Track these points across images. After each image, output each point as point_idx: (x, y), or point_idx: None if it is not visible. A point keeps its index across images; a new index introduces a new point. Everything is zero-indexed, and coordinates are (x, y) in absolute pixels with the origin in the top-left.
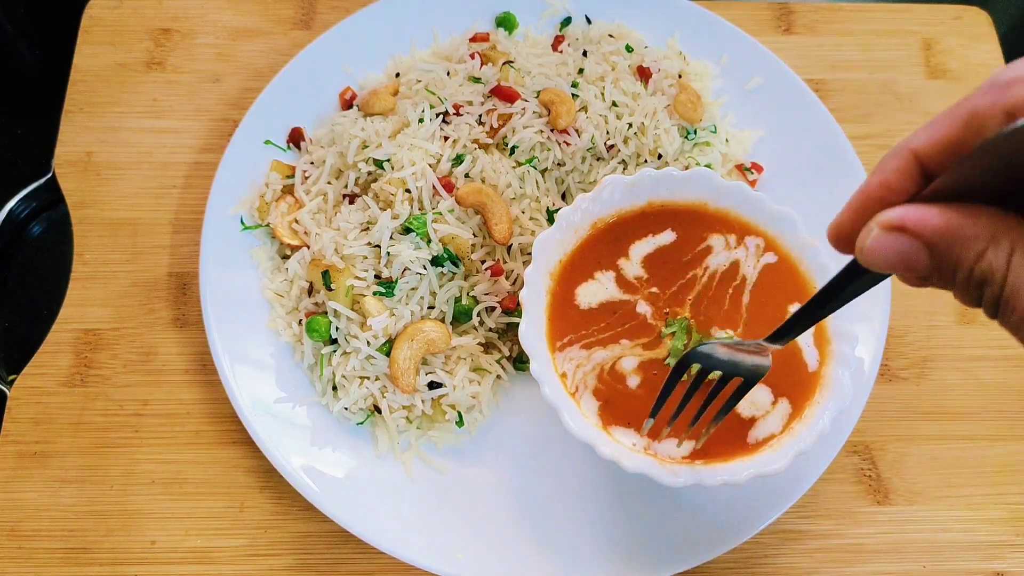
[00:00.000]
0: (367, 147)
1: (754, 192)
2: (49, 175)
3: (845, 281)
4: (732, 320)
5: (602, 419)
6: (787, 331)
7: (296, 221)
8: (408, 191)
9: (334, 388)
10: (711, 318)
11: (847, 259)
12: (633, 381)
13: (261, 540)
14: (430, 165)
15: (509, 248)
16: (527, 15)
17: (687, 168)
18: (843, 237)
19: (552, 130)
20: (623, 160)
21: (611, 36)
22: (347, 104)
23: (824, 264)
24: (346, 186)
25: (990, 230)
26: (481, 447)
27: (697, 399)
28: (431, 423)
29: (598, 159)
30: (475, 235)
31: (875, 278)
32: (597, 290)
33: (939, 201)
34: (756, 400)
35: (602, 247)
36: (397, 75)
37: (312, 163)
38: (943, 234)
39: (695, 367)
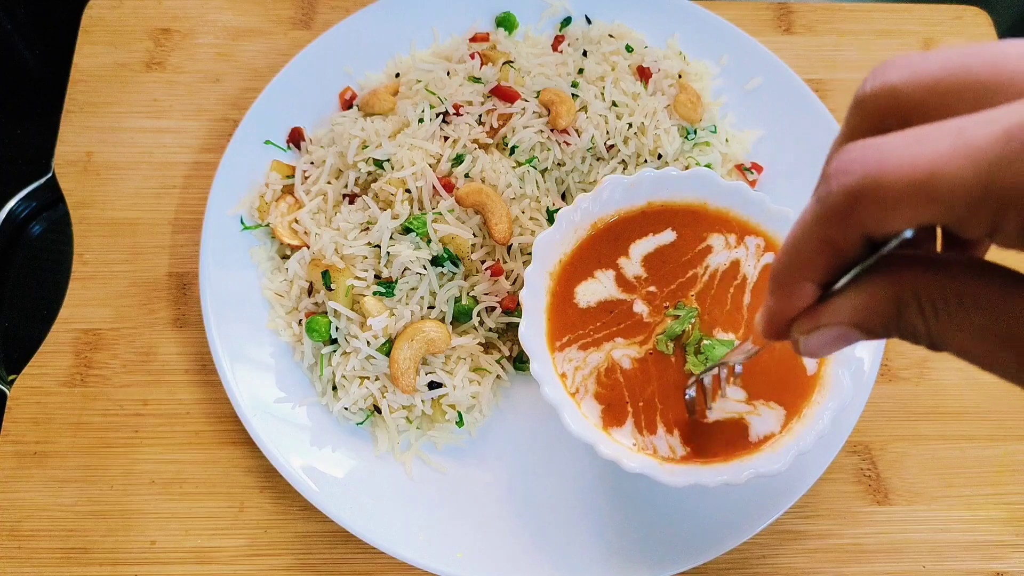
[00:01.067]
0: (367, 147)
1: (754, 192)
2: (49, 175)
3: None
4: (733, 319)
5: (603, 419)
6: None
7: (296, 221)
8: (408, 191)
9: (334, 388)
10: (714, 317)
11: None
12: (631, 379)
13: (261, 540)
14: (430, 165)
15: (509, 248)
16: (527, 15)
17: (687, 168)
18: (772, 335)
19: (552, 130)
20: (623, 160)
21: (611, 36)
22: (347, 104)
23: None
24: (346, 186)
25: (894, 300)
26: (481, 447)
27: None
28: (431, 423)
29: (598, 159)
30: (475, 235)
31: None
32: (597, 289)
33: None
34: (757, 400)
35: (602, 247)
36: (397, 75)
37: (312, 163)
38: (858, 318)
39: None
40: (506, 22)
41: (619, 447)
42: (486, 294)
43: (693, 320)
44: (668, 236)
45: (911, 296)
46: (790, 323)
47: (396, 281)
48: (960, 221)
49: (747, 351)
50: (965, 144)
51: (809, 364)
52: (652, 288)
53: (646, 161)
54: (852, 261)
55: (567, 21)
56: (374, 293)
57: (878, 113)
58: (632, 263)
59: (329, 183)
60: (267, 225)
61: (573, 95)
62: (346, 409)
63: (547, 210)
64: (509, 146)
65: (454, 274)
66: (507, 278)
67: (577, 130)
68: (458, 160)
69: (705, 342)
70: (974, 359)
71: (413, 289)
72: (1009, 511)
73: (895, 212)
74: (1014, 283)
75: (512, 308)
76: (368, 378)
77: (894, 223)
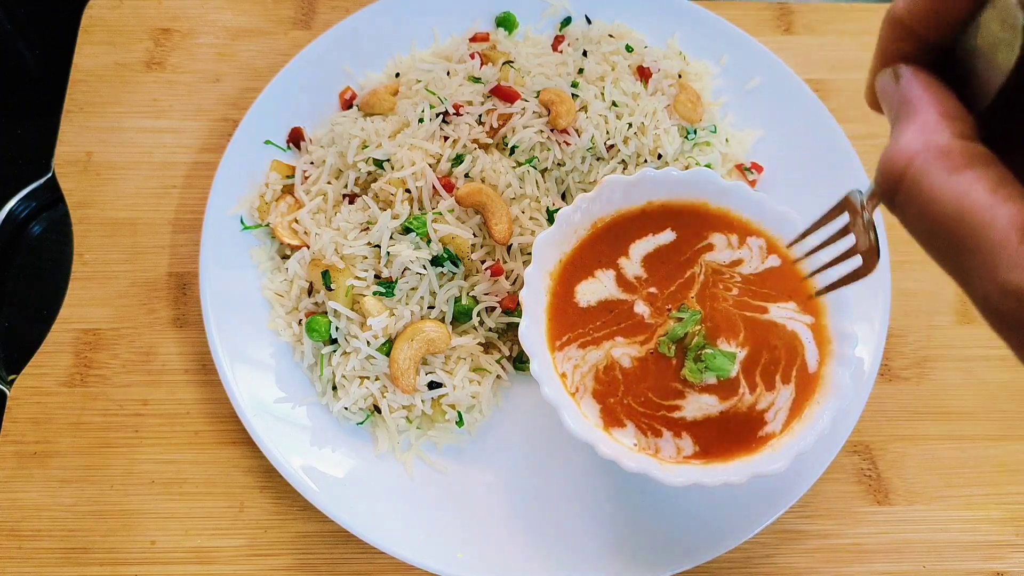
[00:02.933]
0: (367, 147)
1: (754, 192)
2: (49, 175)
3: None
4: (734, 324)
5: (603, 420)
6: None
7: (296, 221)
8: (408, 191)
9: (334, 388)
10: (716, 321)
11: (849, 267)
12: (629, 378)
13: (261, 540)
14: (430, 165)
15: (509, 248)
16: (527, 15)
17: (687, 168)
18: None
19: (552, 130)
20: (623, 160)
21: (611, 36)
22: (347, 104)
23: (825, 264)
24: (346, 186)
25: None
26: (481, 447)
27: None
28: (431, 423)
29: (598, 159)
30: (475, 235)
31: None
32: (597, 288)
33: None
34: (758, 399)
35: (602, 247)
36: (397, 75)
37: (312, 163)
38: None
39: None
40: (506, 22)
41: (619, 447)
42: (486, 294)
43: (696, 324)
44: (668, 236)
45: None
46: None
47: (396, 281)
48: None
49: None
50: None
51: (810, 361)
52: (653, 289)
53: (646, 161)
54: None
55: (567, 21)
56: (374, 293)
57: None
58: (632, 263)
59: (329, 183)
60: (267, 225)
61: (573, 95)
62: (346, 409)
63: (547, 210)
64: (509, 146)
65: (454, 274)
66: (507, 278)
67: (577, 130)
68: (458, 160)
69: (707, 351)
70: None
71: (413, 289)
72: (1009, 511)
73: None
74: None
75: (512, 308)
76: (368, 378)
77: None
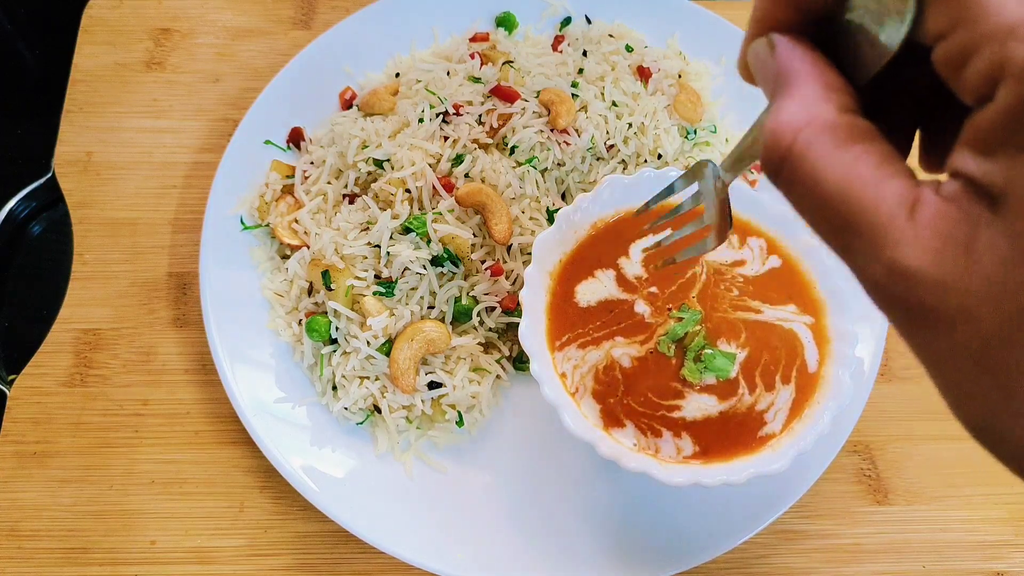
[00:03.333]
0: (367, 147)
1: (754, 192)
2: (49, 175)
3: None
4: (735, 324)
5: (603, 420)
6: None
7: (296, 221)
8: (408, 191)
9: (334, 388)
10: (716, 321)
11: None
12: (629, 378)
13: (261, 540)
14: (430, 165)
15: (509, 248)
16: (527, 15)
17: (687, 168)
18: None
19: (552, 130)
20: (623, 160)
21: (611, 36)
22: (347, 104)
23: (825, 264)
24: (346, 186)
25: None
26: (481, 447)
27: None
28: (431, 423)
29: (598, 159)
30: (475, 235)
31: None
32: (597, 288)
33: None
34: (757, 399)
35: (602, 247)
36: (397, 75)
37: (312, 163)
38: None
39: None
40: (506, 22)
41: (618, 446)
42: (486, 294)
43: (697, 324)
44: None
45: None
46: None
47: (396, 281)
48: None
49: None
50: None
51: (810, 361)
52: (653, 289)
53: (646, 161)
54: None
55: (567, 21)
56: (374, 293)
57: None
58: (632, 263)
59: (329, 183)
60: (267, 225)
61: (573, 95)
62: (346, 409)
63: (547, 210)
64: (509, 146)
65: (454, 274)
66: (507, 278)
67: (577, 130)
68: (458, 160)
69: (707, 351)
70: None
71: (413, 289)
72: (1009, 511)
73: None
74: None
75: (512, 308)
76: (368, 378)
77: None
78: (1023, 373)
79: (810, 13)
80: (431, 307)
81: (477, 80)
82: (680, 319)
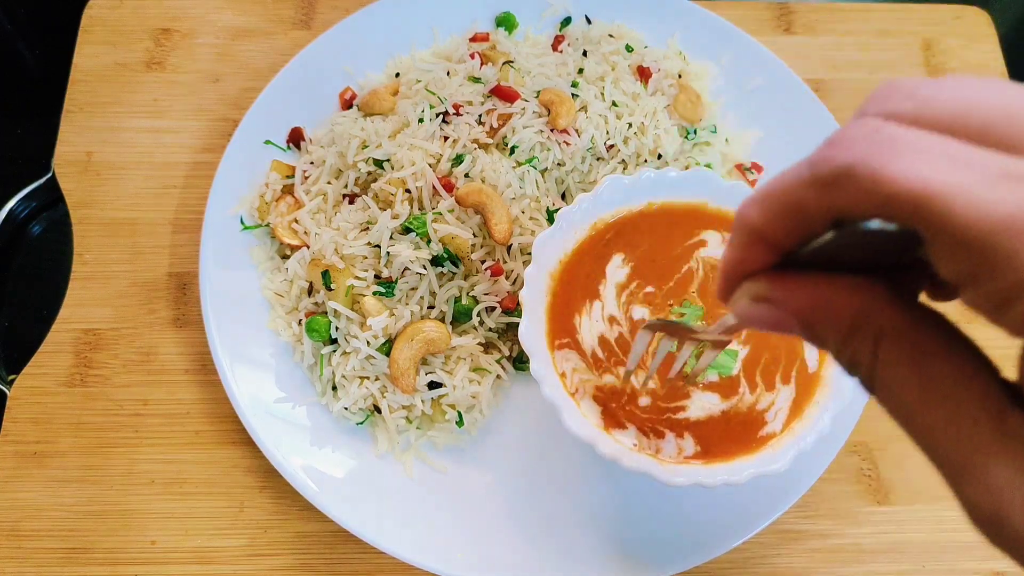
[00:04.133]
0: (367, 147)
1: None
2: (49, 175)
3: None
4: None
5: (603, 420)
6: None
7: (296, 221)
8: (408, 191)
9: (334, 388)
10: (716, 317)
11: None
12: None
13: (261, 540)
14: (430, 165)
15: (509, 248)
16: (527, 15)
17: (687, 168)
18: (723, 291)
19: (552, 130)
20: (623, 160)
21: (611, 36)
22: (347, 104)
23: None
24: (346, 186)
25: (853, 312)
26: (481, 447)
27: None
28: (431, 423)
29: (598, 159)
30: (475, 235)
31: None
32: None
33: (812, 266)
34: (758, 399)
35: (602, 247)
36: (397, 75)
37: (312, 163)
38: (808, 311)
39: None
40: (506, 22)
41: (619, 446)
42: (486, 294)
43: (699, 320)
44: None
45: (868, 322)
46: (740, 280)
47: (396, 281)
48: (940, 254)
49: (720, 325)
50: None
51: (810, 360)
52: (650, 288)
53: (646, 161)
54: (812, 236)
55: (567, 21)
56: (374, 293)
57: None
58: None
59: (329, 183)
60: (267, 225)
61: (573, 95)
62: (346, 409)
63: (547, 210)
64: (509, 146)
65: (454, 274)
66: (507, 278)
67: (577, 130)
68: (458, 160)
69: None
70: (903, 417)
71: (413, 289)
72: None
73: (881, 209)
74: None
75: (512, 308)
76: (368, 378)
77: (874, 213)
78: None
79: (783, 251)
80: (431, 307)
81: (477, 80)
82: (682, 315)
